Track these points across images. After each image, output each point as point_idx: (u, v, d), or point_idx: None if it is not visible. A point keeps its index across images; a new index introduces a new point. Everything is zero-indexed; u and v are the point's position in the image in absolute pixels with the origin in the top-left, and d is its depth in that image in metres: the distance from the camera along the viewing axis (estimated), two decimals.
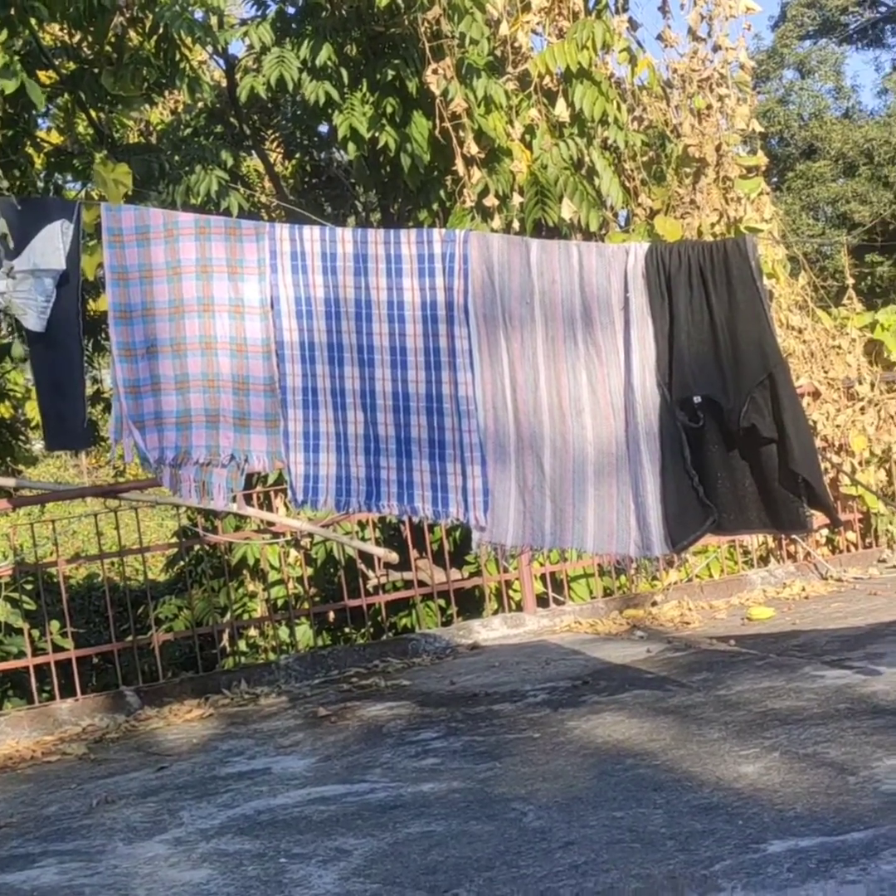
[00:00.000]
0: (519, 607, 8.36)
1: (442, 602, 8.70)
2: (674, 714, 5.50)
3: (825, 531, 8.99)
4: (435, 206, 9.24)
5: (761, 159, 9.61)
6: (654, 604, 8.19)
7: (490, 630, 8.02)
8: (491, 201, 8.39)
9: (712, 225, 9.12)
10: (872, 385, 9.18)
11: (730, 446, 4.92)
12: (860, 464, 9.03)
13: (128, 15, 8.93)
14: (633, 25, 9.96)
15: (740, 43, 9.10)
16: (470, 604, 9.01)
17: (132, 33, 9.14)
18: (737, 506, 4.96)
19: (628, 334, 5.00)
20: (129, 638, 7.82)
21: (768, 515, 4.94)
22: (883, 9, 31.08)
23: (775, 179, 30.80)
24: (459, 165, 8.34)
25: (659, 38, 9.79)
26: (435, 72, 8.18)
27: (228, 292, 5.21)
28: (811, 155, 29.23)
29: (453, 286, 5.11)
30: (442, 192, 9.14)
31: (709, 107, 9.09)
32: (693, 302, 4.93)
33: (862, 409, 9.11)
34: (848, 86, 31.08)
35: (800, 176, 28.83)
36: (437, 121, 8.38)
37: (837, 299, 12.45)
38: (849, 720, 4.96)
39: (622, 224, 9.81)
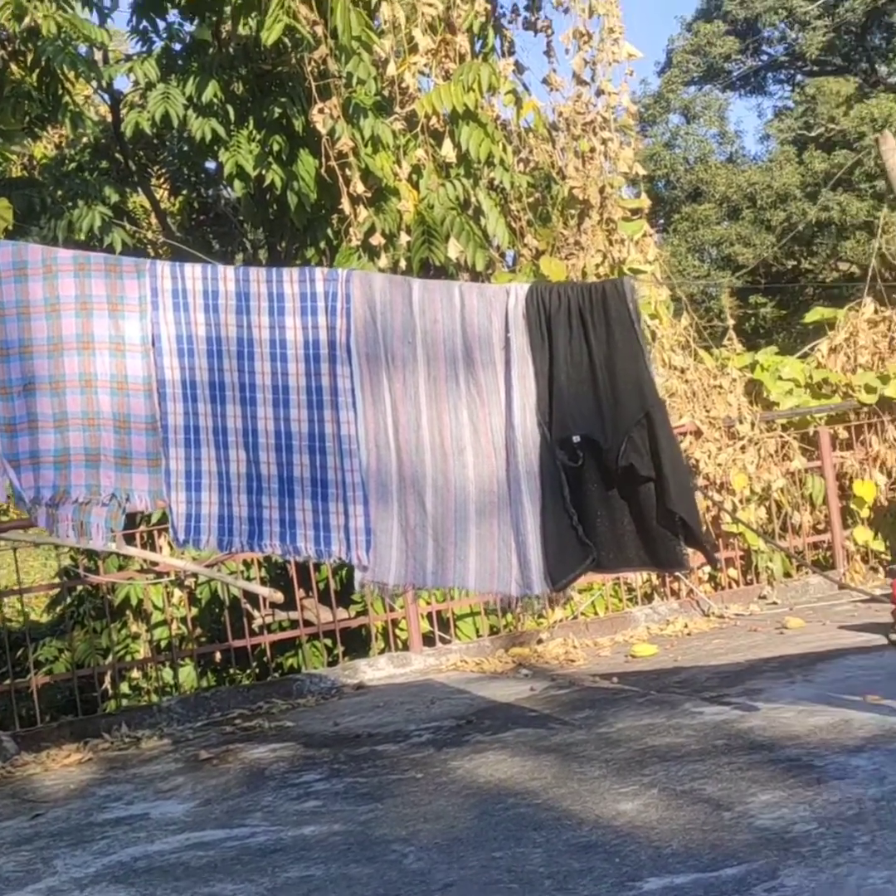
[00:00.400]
0: (406, 646, 8.34)
1: (328, 642, 8.65)
2: (555, 752, 5.52)
3: (708, 568, 9.12)
4: (322, 245, 9.23)
5: (644, 202, 9.78)
6: (539, 642, 8.22)
7: (376, 669, 7.99)
8: (377, 240, 8.42)
9: (597, 266, 9.25)
10: (752, 424, 9.35)
11: (609, 485, 4.98)
12: (741, 502, 9.19)
13: (9, 48, 8.82)
14: (519, 69, 10.12)
15: (623, 88, 9.28)
16: (357, 643, 8.95)
17: (14, 67, 9.02)
18: (616, 544, 5.01)
19: (509, 374, 5.04)
20: (7, 681, 7.63)
21: (646, 553, 5.00)
22: (764, 57, 31.89)
23: (662, 221, 31.37)
24: (346, 204, 8.36)
25: (544, 81, 9.94)
26: (321, 111, 8.20)
27: (109, 329, 5.15)
28: (696, 198, 29.82)
29: (336, 325, 5.10)
30: (329, 231, 9.14)
31: (592, 150, 9.23)
32: (572, 342, 4.98)
33: (742, 447, 9.27)
34: (732, 131, 31.81)
35: (686, 218, 29.39)
36: (324, 160, 8.40)
37: (722, 339, 12.70)
38: (725, 756, 5.02)
39: (509, 264, 9.91)
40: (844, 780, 4.47)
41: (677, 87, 31.12)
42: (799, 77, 32.00)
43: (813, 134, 28.85)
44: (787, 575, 9.37)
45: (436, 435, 5.10)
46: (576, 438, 4.93)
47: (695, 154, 30.44)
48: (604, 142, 9.21)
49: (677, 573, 8.58)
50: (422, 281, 5.26)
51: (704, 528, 9.14)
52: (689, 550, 5.07)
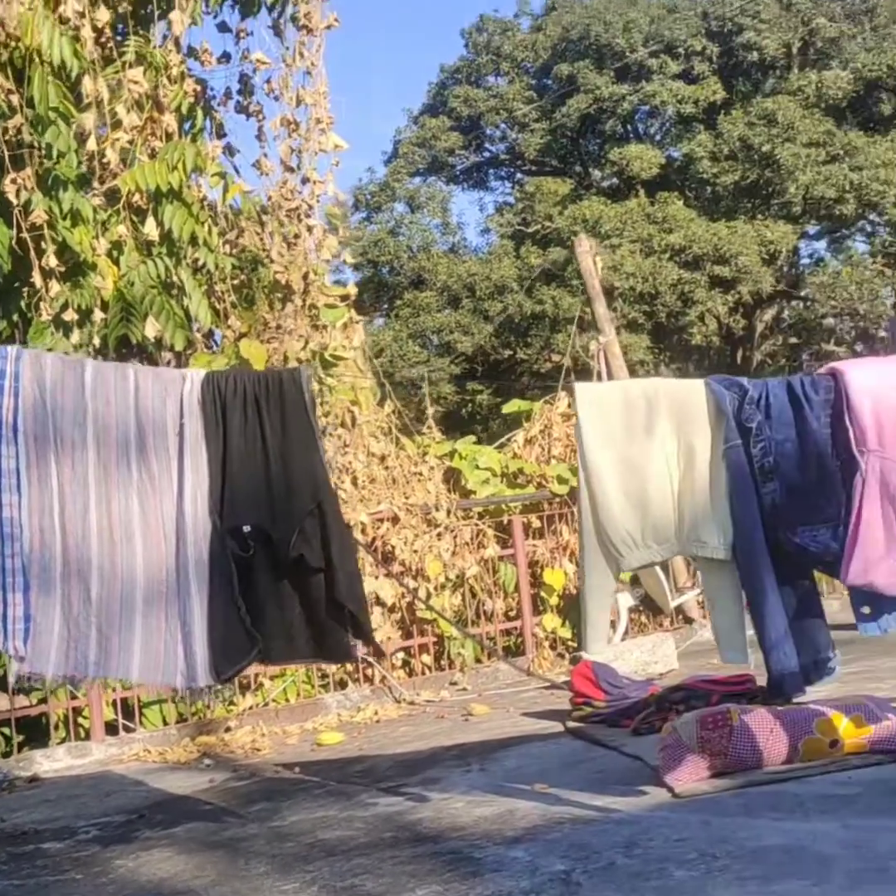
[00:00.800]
0: (89, 735, 8.02)
1: (7, 731, 8.23)
2: (224, 848, 5.38)
3: (401, 654, 9.20)
4: (15, 318, 8.91)
5: (349, 290, 9.89)
6: (227, 730, 8.06)
7: (53, 761, 7.65)
8: (71, 316, 8.19)
9: (300, 351, 9.27)
10: (449, 512, 9.52)
11: (279, 576, 4.93)
12: (436, 588, 9.30)
13: None
14: (230, 151, 10.13)
15: (329, 177, 9.39)
16: (39, 732, 8.56)
17: None
18: (285, 635, 4.96)
19: (182, 460, 4.95)
20: None
21: (315, 645, 4.97)
22: (486, 154, 33.07)
23: (386, 306, 31.94)
24: (37, 278, 8.10)
25: (255, 165, 9.98)
26: (14, 181, 7.95)
27: None
28: (419, 285, 30.52)
29: (2, 404, 4.90)
30: (23, 304, 8.84)
31: (297, 236, 9.30)
32: (247, 430, 4.95)
33: (439, 535, 9.42)
34: (454, 222, 32.82)
35: (408, 304, 30.01)
36: (17, 231, 8.14)
37: (442, 424, 12.95)
38: (391, 849, 5.00)
39: (217, 344, 9.83)
40: (500, 872, 4.51)
41: (403, 177, 31.91)
42: (519, 175, 33.32)
43: (530, 230, 30.05)
44: (479, 661, 9.52)
45: (104, 520, 4.95)
46: (247, 528, 4.87)
47: (418, 242, 31.21)
48: (309, 229, 9.29)
49: (371, 660, 8.65)
50: (95, 362, 5.14)
51: (400, 614, 9.24)
52: (356, 642, 5.07)
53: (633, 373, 27.43)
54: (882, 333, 26.71)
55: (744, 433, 4.81)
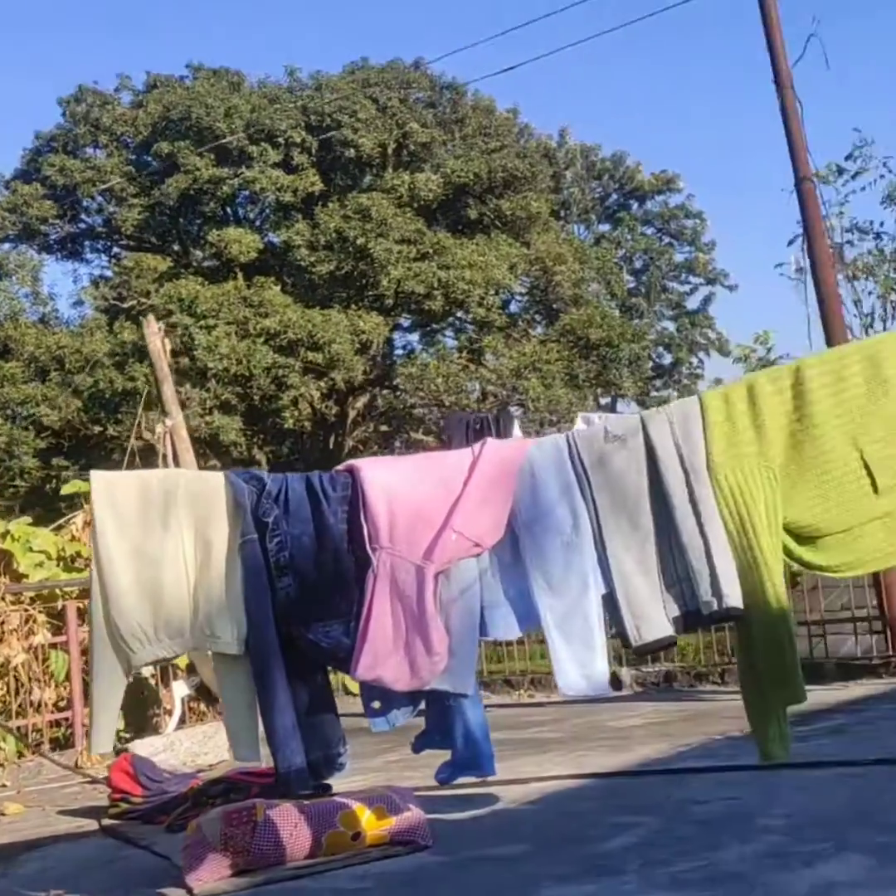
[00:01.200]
0: None
1: None
2: None
3: None
4: None
5: None
6: None
7: None
8: None
9: None
10: None
11: None
12: None
13: None
14: None
15: None
16: None
17: None
18: None
19: None
20: None
21: None
22: (83, 225, 32.27)
23: None
24: None
25: None
26: None
27: None
28: (4, 355, 29.26)
29: None
30: None
31: None
32: None
33: None
34: (45, 292, 31.74)
35: None
36: None
37: (25, 500, 12.34)
38: None
39: None
40: None
41: None
42: (116, 249, 32.72)
43: (126, 305, 29.48)
44: (21, 755, 9.05)
45: None
46: None
47: (5, 311, 29.98)
48: None
49: None
50: None
51: None
52: None
53: (226, 454, 27.55)
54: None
55: (260, 527, 4.81)
